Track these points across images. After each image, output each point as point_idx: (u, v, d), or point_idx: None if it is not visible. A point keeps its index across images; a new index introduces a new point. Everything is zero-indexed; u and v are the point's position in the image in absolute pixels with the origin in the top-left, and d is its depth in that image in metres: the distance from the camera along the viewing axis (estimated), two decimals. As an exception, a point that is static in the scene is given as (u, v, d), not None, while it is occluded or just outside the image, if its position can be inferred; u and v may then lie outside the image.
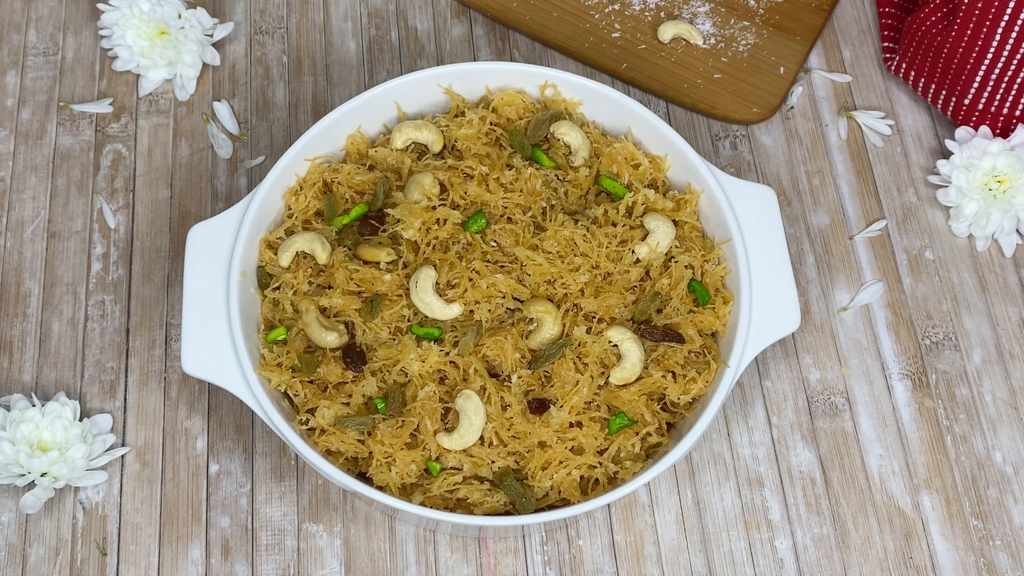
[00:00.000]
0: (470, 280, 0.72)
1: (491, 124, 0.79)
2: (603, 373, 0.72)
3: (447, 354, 0.72)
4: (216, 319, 0.71)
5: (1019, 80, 0.86)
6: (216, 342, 0.71)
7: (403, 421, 0.70)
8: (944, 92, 0.90)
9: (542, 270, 0.73)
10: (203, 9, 0.92)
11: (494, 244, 0.75)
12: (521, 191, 0.76)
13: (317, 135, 0.77)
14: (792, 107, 0.93)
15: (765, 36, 0.94)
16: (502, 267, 0.74)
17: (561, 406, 0.70)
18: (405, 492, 0.70)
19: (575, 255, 0.73)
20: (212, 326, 0.71)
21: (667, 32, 0.93)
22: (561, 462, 0.70)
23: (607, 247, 0.74)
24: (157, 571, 0.76)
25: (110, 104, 0.92)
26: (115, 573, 0.76)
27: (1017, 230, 0.88)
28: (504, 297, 0.73)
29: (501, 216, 0.76)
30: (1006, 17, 0.83)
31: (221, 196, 0.88)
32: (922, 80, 0.91)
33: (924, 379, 0.83)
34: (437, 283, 0.72)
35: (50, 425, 0.76)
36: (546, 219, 0.75)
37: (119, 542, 0.76)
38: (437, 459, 0.70)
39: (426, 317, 0.72)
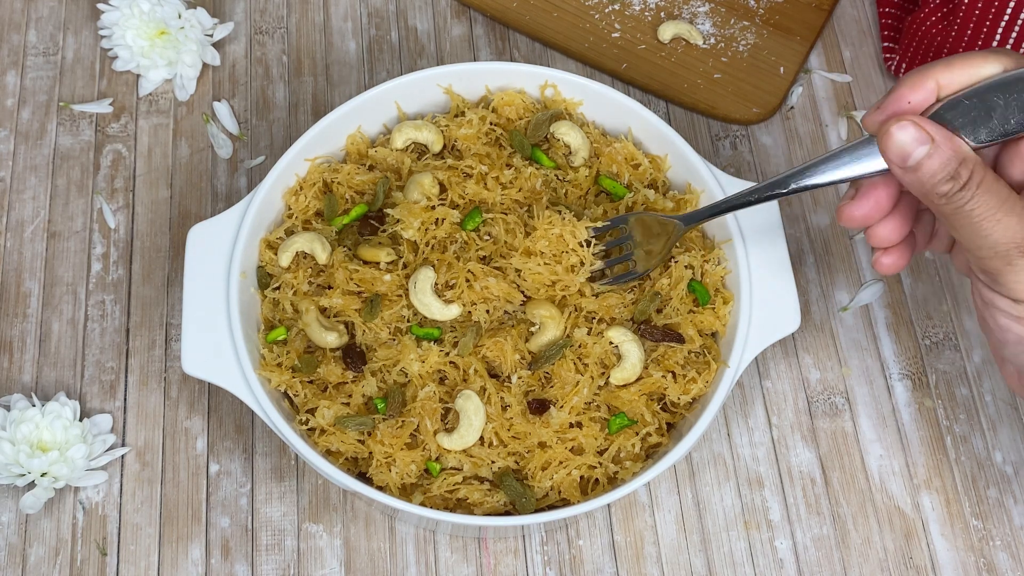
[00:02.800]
0: (467, 281, 0.72)
1: (491, 124, 0.79)
2: (603, 373, 0.72)
3: (447, 354, 0.72)
4: (216, 319, 0.71)
5: (1019, 80, 0.86)
6: (216, 342, 0.71)
7: (403, 421, 0.70)
8: (944, 92, 0.90)
9: (541, 278, 0.73)
10: (203, 9, 0.92)
11: (488, 237, 0.74)
12: (520, 190, 0.76)
13: (317, 135, 0.77)
14: (792, 107, 0.93)
15: (765, 36, 0.94)
16: (497, 268, 0.73)
17: (561, 406, 0.70)
18: (405, 492, 0.70)
19: (568, 251, 0.73)
20: (212, 326, 0.71)
21: (667, 32, 0.93)
22: (561, 462, 0.70)
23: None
24: (157, 571, 0.76)
25: (110, 104, 0.92)
26: (115, 573, 0.76)
27: (1017, 230, 0.88)
28: (499, 299, 0.73)
29: (498, 211, 0.75)
30: (1006, 17, 0.83)
31: (221, 196, 0.88)
32: (922, 80, 0.91)
33: (924, 379, 0.83)
34: (436, 283, 0.72)
35: (50, 425, 0.76)
36: (533, 217, 0.75)
37: (119, 542, 0.76)
38: (437, 459, 0.70)
39: (426, 317, 0.72)
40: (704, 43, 0.94)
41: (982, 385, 0.83)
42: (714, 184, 0.76)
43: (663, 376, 0.72)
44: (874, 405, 0.82)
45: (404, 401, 0.71)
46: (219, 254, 0.73)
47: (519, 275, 0.73)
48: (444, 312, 0.71)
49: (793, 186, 0.64)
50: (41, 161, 0.89)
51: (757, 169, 0.90)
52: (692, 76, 0.92)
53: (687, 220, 0.72)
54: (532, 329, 0.72)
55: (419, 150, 0.80)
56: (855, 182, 0.64)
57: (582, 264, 0.73)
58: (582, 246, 0.73)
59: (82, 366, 0.82)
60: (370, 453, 0.70)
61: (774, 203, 0.76)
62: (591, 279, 0.73)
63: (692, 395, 0.72)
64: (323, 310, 0.73)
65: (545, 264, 0.73)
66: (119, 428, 0.80)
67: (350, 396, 0.71)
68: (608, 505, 0.77)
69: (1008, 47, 0.84)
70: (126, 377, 0.82)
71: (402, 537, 0.77)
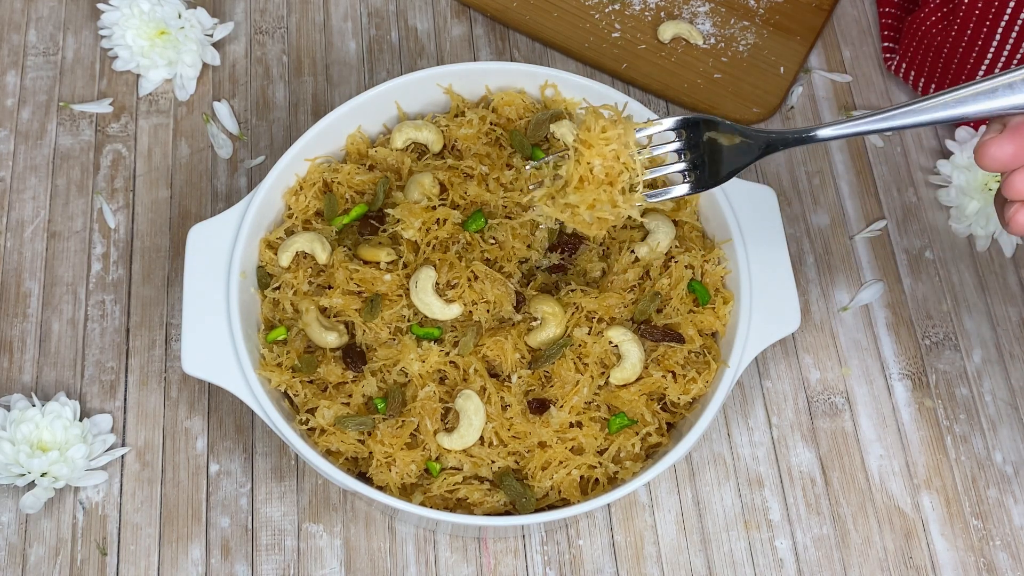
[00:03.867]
0: (469, 282, 0.72)
1: (491, 124, 0.79)
2: (603, 373, 0.72)
3: (447, 354, 0.72)
4: (216, 319, 0.71)
5: (1019, 80, 0.86)
6: (216, 342, 0.71)
7: (403, 421, 0.70)
8: (944, 92, 0.90)
9: (602, 213, 0.62)
10: (203, 9, 0.92)
11: (492, 241, 0.74)
12: (521, 190, 0.76)
13: (317, 135, 0.77)
14: (792, 107, 0.93)
15: (765, 36, 0.94)
16: (502, 269, 0.74)
17: (561, 406, 0.70)
18: (405, 492, 0.70)
19: (619, 164, 0.61)
20: (212, 326, 0.71)
21: (667, 32, 0.93)
22: (561, 462, 0.70)
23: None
24: (157, 571, 0.76)
25: (110, 104, 0.92)
26: (115, 573, 0.76)
27: (1017, 230, 0.88)
28: (492, 304, 0.73)
29: (501, 215, 0.76)
30: (1006, 17, 0.83)
31: (221, 196, 0.88)
32: (922, 80, 0.91)
33: (924, 379, 0.83)
34: (437, 283, 0.72)
35: (50, 425, 0.76)
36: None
37: (119, 542, 0.76)
38: (437, 459, 0.70)
39: (426, 317, 0.72)
40: (704, 43, 0.94)
41: (982, 385, 0.83)
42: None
43: (663, 376, 0.72)
44: (874, 405, 0.82)
45: (404, 401, 0.71)
46: (219, 254, 0.73)
47: (572, 210, 0.63)
48: (445, 312, 0.71)
49: (935, 116, 0.56)
50: (41, 161, 0.89)
51: (757, 169, 0.90)
52: (692, 76, 0.92)
53: (777, 141, 0.61)
54: (533, 324, 0.72)
55: (419, 150, 0.80)
56: (999, 119, 0.56)
57: (632, 186, 0.62)
58: (632, 157, 0.61)
59: (82, 366, 0.82)
60: (370, 453, 0.70)
61: (774, 201, 0.76)
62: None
63: (692, 395, 0.72)
64: (323, 310, 0.73)
65: (597, 193, 0.62)
66: (119, 428, 0.80)
67: (350, 396, 0.71)
68: (608, 505, 0.77)
69: (1008, 47, 0.84)
70: (126, 377, 0.82)
71: (402, 537, 0.77)
